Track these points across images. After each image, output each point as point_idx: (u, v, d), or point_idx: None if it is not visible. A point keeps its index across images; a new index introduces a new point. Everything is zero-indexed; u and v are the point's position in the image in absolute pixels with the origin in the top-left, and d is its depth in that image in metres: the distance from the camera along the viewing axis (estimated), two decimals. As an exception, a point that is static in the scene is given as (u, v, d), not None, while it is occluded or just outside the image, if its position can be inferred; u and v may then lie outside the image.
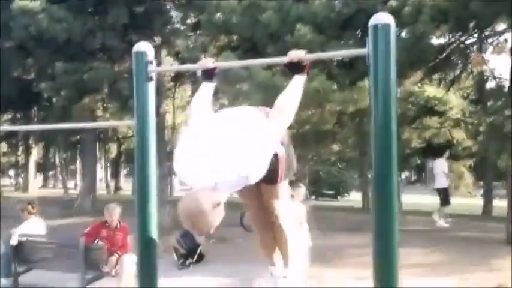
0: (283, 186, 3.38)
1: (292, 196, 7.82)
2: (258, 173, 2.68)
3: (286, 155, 3.21)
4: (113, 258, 7.66)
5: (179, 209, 2.67)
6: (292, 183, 6.10)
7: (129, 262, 7.28)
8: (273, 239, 3.51)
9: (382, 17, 2.79)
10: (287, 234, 3.45)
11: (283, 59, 3.08)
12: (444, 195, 16.29)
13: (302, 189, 8.53)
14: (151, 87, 3.36)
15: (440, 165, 16.82)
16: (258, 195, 3.37)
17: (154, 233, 3.29)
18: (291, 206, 3.68)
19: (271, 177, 3.01)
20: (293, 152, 3.47)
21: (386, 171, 2.74)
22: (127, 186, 42.23)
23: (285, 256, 3.54)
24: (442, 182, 16.43)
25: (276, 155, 2.94)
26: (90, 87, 17.41)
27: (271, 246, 3.56)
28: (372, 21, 2.78)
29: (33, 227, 8.21)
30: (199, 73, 3.30)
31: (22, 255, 7.96)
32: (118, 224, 8.04)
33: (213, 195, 2.66)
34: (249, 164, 2.64)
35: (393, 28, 2.79)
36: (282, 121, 2.95)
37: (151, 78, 3.34)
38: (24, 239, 7.92)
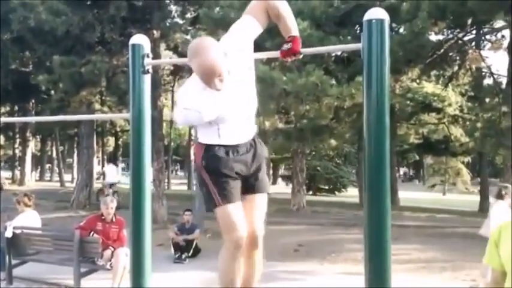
0: None
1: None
2: None
3: None
4: (108, 252, 7.66)
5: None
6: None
7: (124, 255, 7.29)
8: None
9: (377, 13, 2.80)
10: None
11: (277, 53, 3.08)
12: None
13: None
14: (147, 80, 3.37)
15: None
16: None
17: (147, 226, 3.31)
18: None
19: None
20: None
21: (379, 165, 2.76)
22: (124, 180, 42.20)
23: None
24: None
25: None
26: (88, 80, 17.39)
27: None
28: (367, 17, 2.79)
29: (29, 219, 8.19)
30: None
31: (17, 247, 7.95)
32: (114, 217, 8.04)
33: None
34: None
35: (387, 23, 2.80)
36: None
37: (147, 71, 3.35)
38: (19, 231, 7.91)
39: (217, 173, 3.06)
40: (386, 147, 2.77)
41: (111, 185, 21.23)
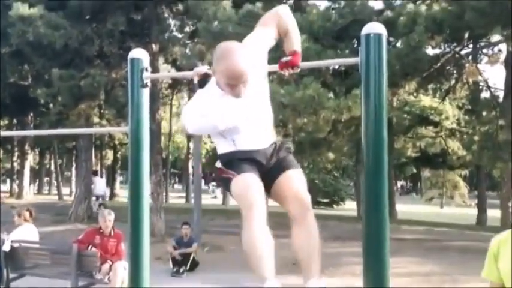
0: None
1: None
2: None
3: None
4: (106, 265, 7.64)
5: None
6: None
7: (122, 269, 7.27)
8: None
9: (374, 27, 2.84)
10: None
11: (275, 67, 3.10)
12: None
13: None
14: (146, 93, 3.39)
15: None
16: None
17: (146, 239, 3.31)
18: None
19: None
20: None
21: (378, 178, 2.77)
22: (123, 193, 42.17)
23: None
24: None
25: None
26: (87, 93, 17.42)
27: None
28: (365, 31, 2.82)
29: (26, 233, 8.18)
30: (196, 81, 3.32)
31: (15, 261, 7.93)
32: (112, 231, 8.03)
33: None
34: None
35: (385, 38, 2.83)
36: None
37: (146, 85, 3.37)
38: (17, 245, 7.90)
39: (232, 161, 3.01)
40: (384, 160, 2.79)
41: (97, 198, 21.22)
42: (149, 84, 3.40)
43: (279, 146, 3.14)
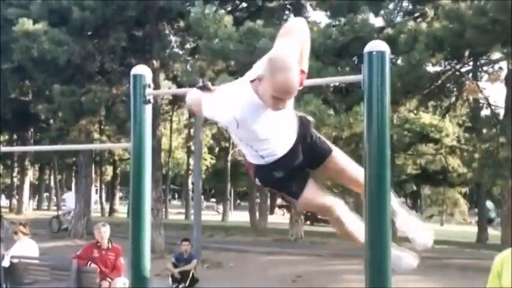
0: None
1: None
2: None
3: None
4: (106, 283, 7.60)
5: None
6: None
7: (122, 285, 7.24)
8: None
9: (377, 45, 2.85)
10: None
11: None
12: None
13: None
14: (148, 110, 3.39)
15: None
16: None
17: (147, 256, 3.29)
18: None
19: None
20: None
21: (381, 196, 2.77)
22: (122, 209, 42.08)
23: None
24: None
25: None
26: (88, 109, 17.47)
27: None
28: (367, 49, 2.83)
29: (26, 248, 8.15)
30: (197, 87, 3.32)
31: (14, 277, 7.89)
32: (110, 244, 8.00)
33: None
34: None
35: (388, 55, 2.84)
36: None
37: (148, 101, 3.37)
38: (16, 260, 7.86)
39: (274, 182, 3.10)
40: (387, 178, 2.78)
41: (69, 213, 21.30)
42: (152, 100, 3.40)
43: (303, 120, 3.16)
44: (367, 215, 2.80)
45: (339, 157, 3.18)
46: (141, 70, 3.40)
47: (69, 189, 44.07)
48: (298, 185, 3.10)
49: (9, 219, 21.11)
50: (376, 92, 2.80)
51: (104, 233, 7.99)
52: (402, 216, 3.33)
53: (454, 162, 28.70)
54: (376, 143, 2.78)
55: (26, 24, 16.04)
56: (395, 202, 3.22)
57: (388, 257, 2.76)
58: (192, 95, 3.12)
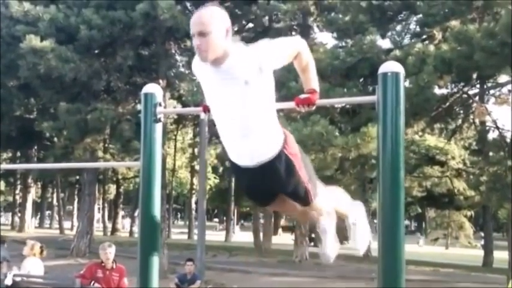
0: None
1: None
2: None
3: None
4: (109, 302, 7.52)
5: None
6: None
7: (126, 306, 7.15)
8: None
9: (392, 66, 2.84)
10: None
11: (290, 104, 3.05)
12: None
13: None
14: (159, 128, 3.36)
15: None
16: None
17: (155, 276, 3.24)
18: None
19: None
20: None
21: (394, 219, 2.72)
22: (125, 228, 41.98)
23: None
24: None
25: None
26: (93, 127, 17.49)
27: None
28: (382, 70, 2.82)
29: (33, 267, 8.09)
30: (202, 116, 3.28)
31: (17, 295, 7.82)
32: (114, 264, 7.92)
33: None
34: None
35: (402, 76, 2.82)
36: None
37: (159, 120, 3.34)
38: (19, 279, 7.79)
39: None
40: (401, 200, 2.74)
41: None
42: (162, 119, 3.37)
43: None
44: (381, 236, 2.75)
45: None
46: (152, 89, 3.38)
47: (71, 206, 43.95)
48: (264, 199, 3.13)
49: (8, 237, 21.04)
50: (391, 113, 2.79)
51: (109, 253, 7.90)
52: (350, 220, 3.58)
53: (460, 185, 28.56)
54: (390, 164, 2.76)
55: (34, 40, 16.11)
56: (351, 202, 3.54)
57: (402, 277, 2.69)
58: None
